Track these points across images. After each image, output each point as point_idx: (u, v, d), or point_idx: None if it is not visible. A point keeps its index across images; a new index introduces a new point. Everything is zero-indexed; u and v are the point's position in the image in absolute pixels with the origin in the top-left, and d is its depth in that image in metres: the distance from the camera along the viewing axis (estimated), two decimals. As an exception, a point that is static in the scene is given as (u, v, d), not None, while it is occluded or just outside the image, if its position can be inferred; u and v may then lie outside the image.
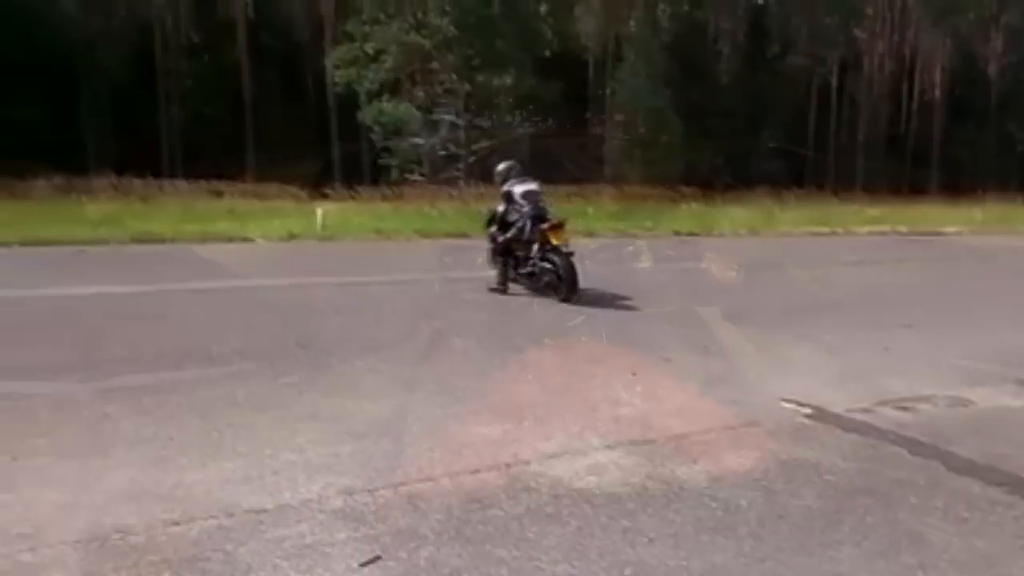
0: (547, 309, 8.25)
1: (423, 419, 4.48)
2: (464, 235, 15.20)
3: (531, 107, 28.43)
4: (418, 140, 28.15)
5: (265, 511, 3.24)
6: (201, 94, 31.40)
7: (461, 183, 26.96)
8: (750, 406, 4.91)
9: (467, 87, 28.10)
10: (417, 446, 4.03)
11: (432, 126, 28.23)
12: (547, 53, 32.48)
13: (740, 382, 5.48)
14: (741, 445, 4.20)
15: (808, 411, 4.82)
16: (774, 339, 7.08)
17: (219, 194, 21.11)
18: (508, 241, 8.85)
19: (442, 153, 28.18)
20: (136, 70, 30.38)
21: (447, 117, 28.15)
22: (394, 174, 27.98)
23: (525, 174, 9.26)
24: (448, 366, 5.75)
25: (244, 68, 32.05)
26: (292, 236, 14.62)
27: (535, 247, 8.59)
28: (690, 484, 3.65)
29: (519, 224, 8.73)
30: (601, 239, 16.25)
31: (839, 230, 19.99)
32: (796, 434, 4.43)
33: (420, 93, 28.54)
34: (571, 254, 8.54)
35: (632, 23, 37.65)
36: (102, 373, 5.28)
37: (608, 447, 4.09)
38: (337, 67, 29.14)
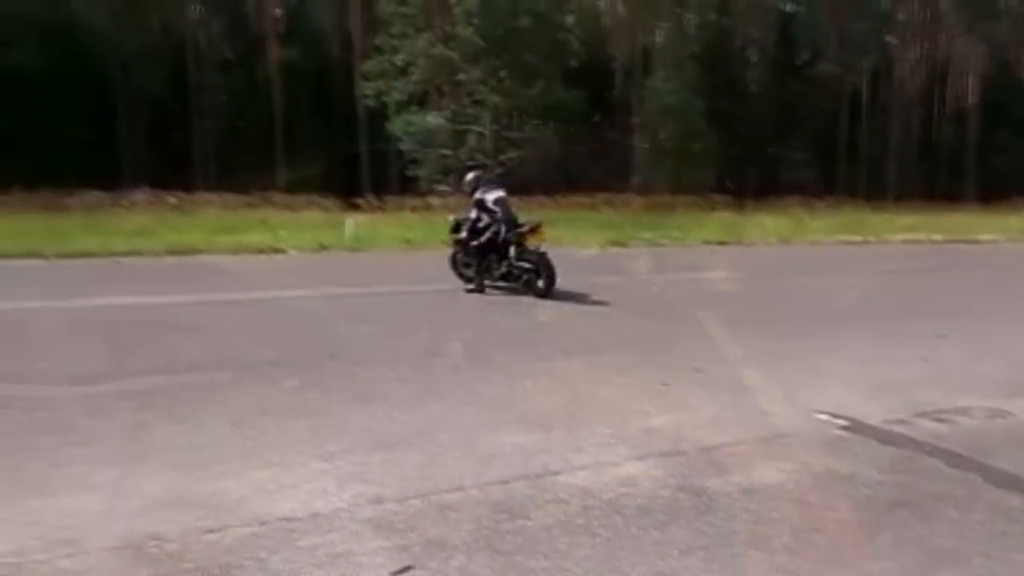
0: (568, 316, 8.27)
1: (452, 428, 4.49)
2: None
3: (558, 116, 28.46)
4: (445, 151, 28.31)
5: (297, 519, 3.27)
6: (234, 109, 31.93)
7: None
8: (783, 418, 4.85)
9: (494, 98, 28.22)
10: (446, 456, 4.04)
11: (459, 137, 28.39)
12: (574, 63, 32.51)
13: (772, 393, 5.41)
14: (774, 457, 4.15)
15: (843, 423, 4.75)
16: (807, 349, 6.99)
17: (252, 206, 21.40)
18: (484, 244, 9.46)
19: (469, 163, 28.31)
20: (171, 86, 30.99)
21: (474, 128, 28.31)
22: (423, 185, 28.16)
23: (492, 183, 10.01)
24: (477, 375, 5.76)
25: (275, 82, 32.53)
26: (322, 247, 14.77)
27: (512, 249, 9.35)
28: (722, 496, 3.61)
29: (494, 229, 9.41)
30: (629, 248, 16.22)
31: (871, 238, 19.71)
32: (830, 446, 4.36)
33: (448, 104, 28.73)
34: (544, 253, 9.31)
35: (659, 32, 37.61)
36: (137, 382, 5.37)
37: (639, 458, 4.07)
38: (366, 80, 29.44)
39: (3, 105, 24.10)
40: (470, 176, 10.20)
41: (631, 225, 19.06)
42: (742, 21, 39.85)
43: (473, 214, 9.65)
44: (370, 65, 29.15)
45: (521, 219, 9.77)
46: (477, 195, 9.69)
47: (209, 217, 18.90)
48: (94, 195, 20.81)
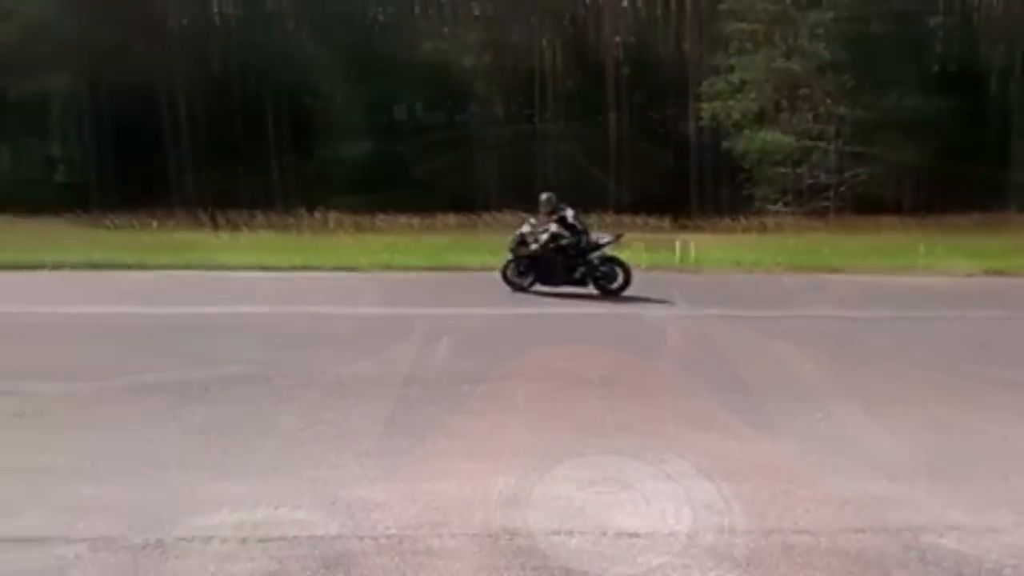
0: (928, 355, 7.30)
1: (798, 466, 4.21)
2: (837, 270, 14.15)
3: (917, 128, 25.49)
4: (785, 169, 26.97)
5: (636, 535, 3.31)
6: (574, 133, 33.88)
7: (831, 214, 25.19)
8: None
9: (843, 111, 26.22)
10: (792, 494, 3.79)
11: (802, 154, 26.84)
12: (938, 69, 28.98)
13: None
14: None
15: None
16: None
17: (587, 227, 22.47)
18: (566, 253, 10.92)
19: (810, 182, 26.64)
20: (520, 115, 33.93)
21: (819, 143, 26.57)
22: (757, 205, 27.15)
23: (563, 203, 11.35)
24: (821, 410, 5.33)
25: (611, 106, 33.89)
26: (651, 266, 14.91)
27: (594, 255, 10.98)
28: None
29: (573, 240, 10.96)
30: (1012, 278, 13.84)
31: None
32: None
33: (790, 120, 27.36)
34: (620, 259, 11.15)
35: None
36: (496, 385, 5.87)
37: (1031, 527, 3.43)
38: (702, 100, 29.27)
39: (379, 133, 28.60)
40: (545, 196, 11.42)
41: (1014, 251, 16.27)
42: None
43: (554, 228, 11.02)
44: (706, 85, 28.94)
45: (604, 235, 11.48)
46: (559, 213, 11.14)
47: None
48: (454, 217, 23.60)
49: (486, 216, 24.41)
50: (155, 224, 21.13)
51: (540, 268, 11.11)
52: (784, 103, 28.05)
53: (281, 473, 4.02)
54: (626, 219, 24.07)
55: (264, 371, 6.26)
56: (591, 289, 10.89)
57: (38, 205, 22.36)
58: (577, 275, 10.97)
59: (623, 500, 3.68)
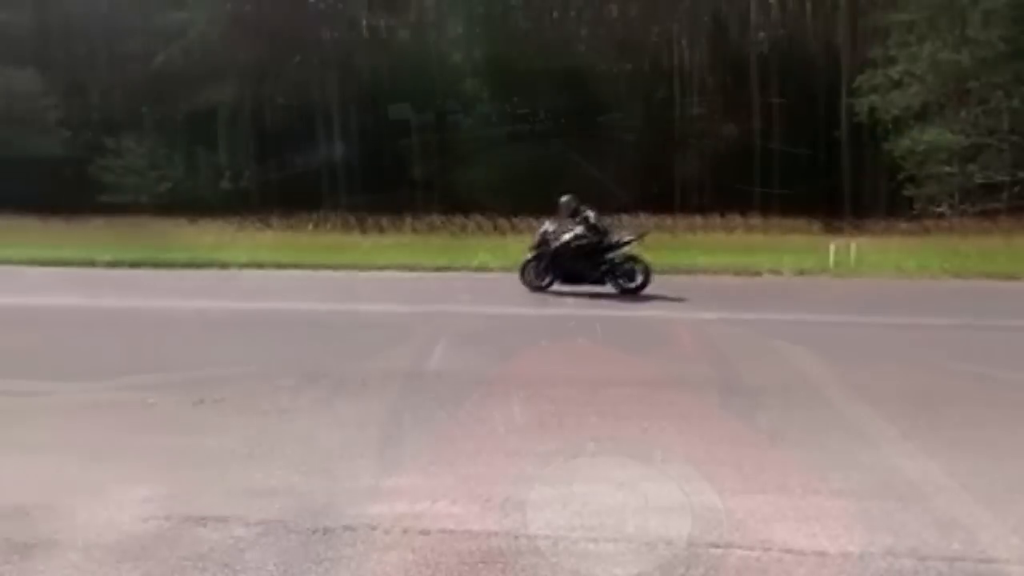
0: None
1: (982, 487, 3.85)
2: (1013, 276, 12.95)
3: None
4: (952, 168, 24.94)
5: (802, 553, 3.14)
6: (716, 133, 32.90)
7: (1003, 215, 23.07)
8: None
9: (1018, 105, 23.95)
10: (972, 518, 3.48)
11: (970, 152, 24.73)
12: None
13: None
14: None
15: None
16: None
17: (730, 228, 21.77)
18: (588, 252, 11.11)
19: (980, 181, 24.50)
20: (657, 117, 33.34)
21: (990, 141, 24.40)
22: (919, 206, 25.27)
23: (585, 205, 11.50)
24: (1006, 428, 4.86)
25: (755, 101, 32.66)
26: (803, 272, 14.25)
27: (616, 253, 11.19)
28: None
29: (596, 239, 11.18)
30: None
31: None
32: None
33: (957, 115, 25.27)
34: (641, 258, 11.25)
35: None
36: (637, 390, 5.79)
37: None
38: (856, 95, 27.58)
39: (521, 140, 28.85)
40: (565, 200, 11.52)
41: None
42: None
43: (579, 229, 11.18)
44: (862, 79, 27.24)
45: (626, 234, 11.71)
46: (583, 214, 11.32)
47: (689, 239, 19.76)
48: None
49: (625, 218, 24.15)
50: (311, 227, 22.48)
51: (561, 267, 11.25)
52: (951, 97, 25.96)
53: (437, 468, 4.12)
54: (774, 221, 23.15)
55: (415, 367, 6.49)
56: (609, 288, 11.00)
57: (207, 209, 24.32)
58: (598, 274, 11.13)
59: (787, 515, 3.50)
